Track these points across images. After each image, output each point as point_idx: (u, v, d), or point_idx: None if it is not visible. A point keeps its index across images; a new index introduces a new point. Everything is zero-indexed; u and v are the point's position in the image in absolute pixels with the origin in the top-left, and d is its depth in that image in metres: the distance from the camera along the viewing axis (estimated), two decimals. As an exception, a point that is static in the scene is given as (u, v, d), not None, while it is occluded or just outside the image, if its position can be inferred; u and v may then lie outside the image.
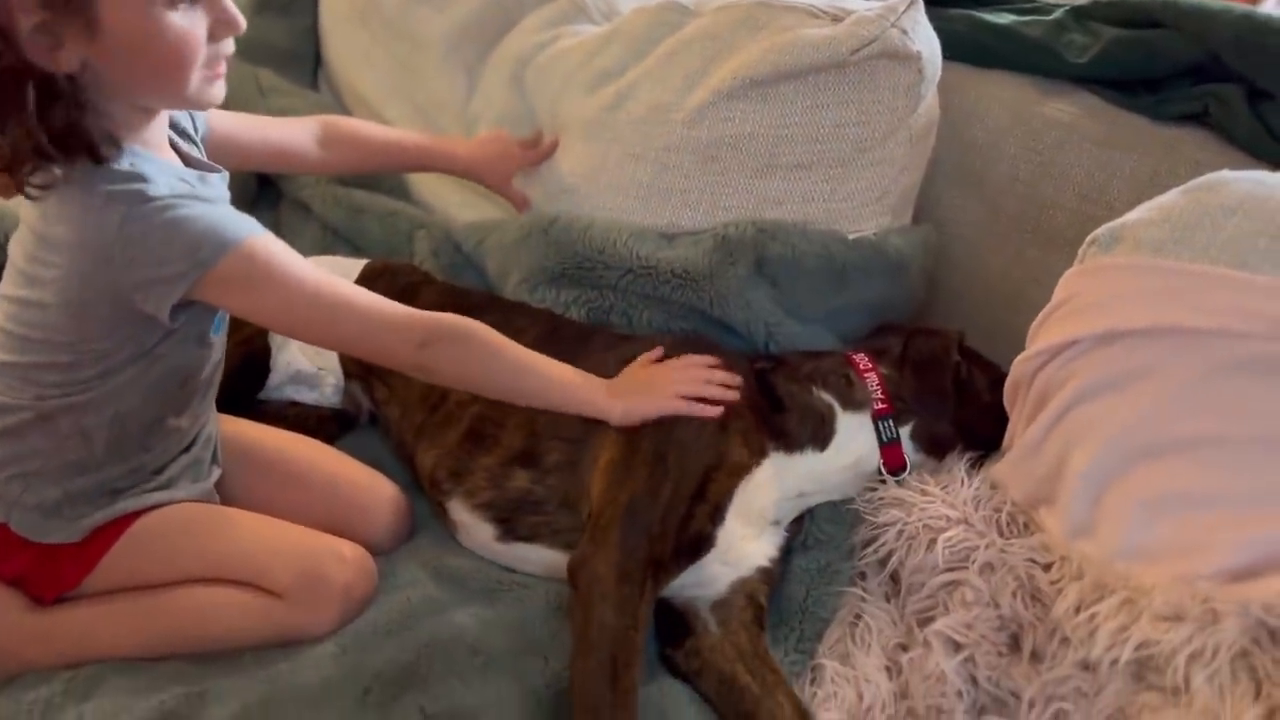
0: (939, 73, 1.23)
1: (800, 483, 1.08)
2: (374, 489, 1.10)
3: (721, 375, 1.06)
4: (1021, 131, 1.30)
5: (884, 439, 1.10)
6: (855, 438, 1.09)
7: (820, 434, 1.09)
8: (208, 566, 0.96)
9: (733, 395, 1.05)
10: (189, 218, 0.85)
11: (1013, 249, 1.30)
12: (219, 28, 0.85)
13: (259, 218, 1.83)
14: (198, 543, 0.97)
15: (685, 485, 0.98)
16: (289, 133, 1.22)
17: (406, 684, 0.91)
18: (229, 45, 0.88)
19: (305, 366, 1.25)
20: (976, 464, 1.09)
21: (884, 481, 1.09)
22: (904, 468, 1.10)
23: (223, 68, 0.88)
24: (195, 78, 0.85)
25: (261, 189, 1.73)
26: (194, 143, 1.00)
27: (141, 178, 0.85)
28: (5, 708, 0.89)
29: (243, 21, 0.86)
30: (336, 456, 1.13)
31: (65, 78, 0.81)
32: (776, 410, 1.09)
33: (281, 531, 0.99)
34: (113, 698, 0.89)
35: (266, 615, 0.95)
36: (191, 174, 0.92)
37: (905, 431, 1.11)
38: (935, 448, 1.12)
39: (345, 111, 1.78)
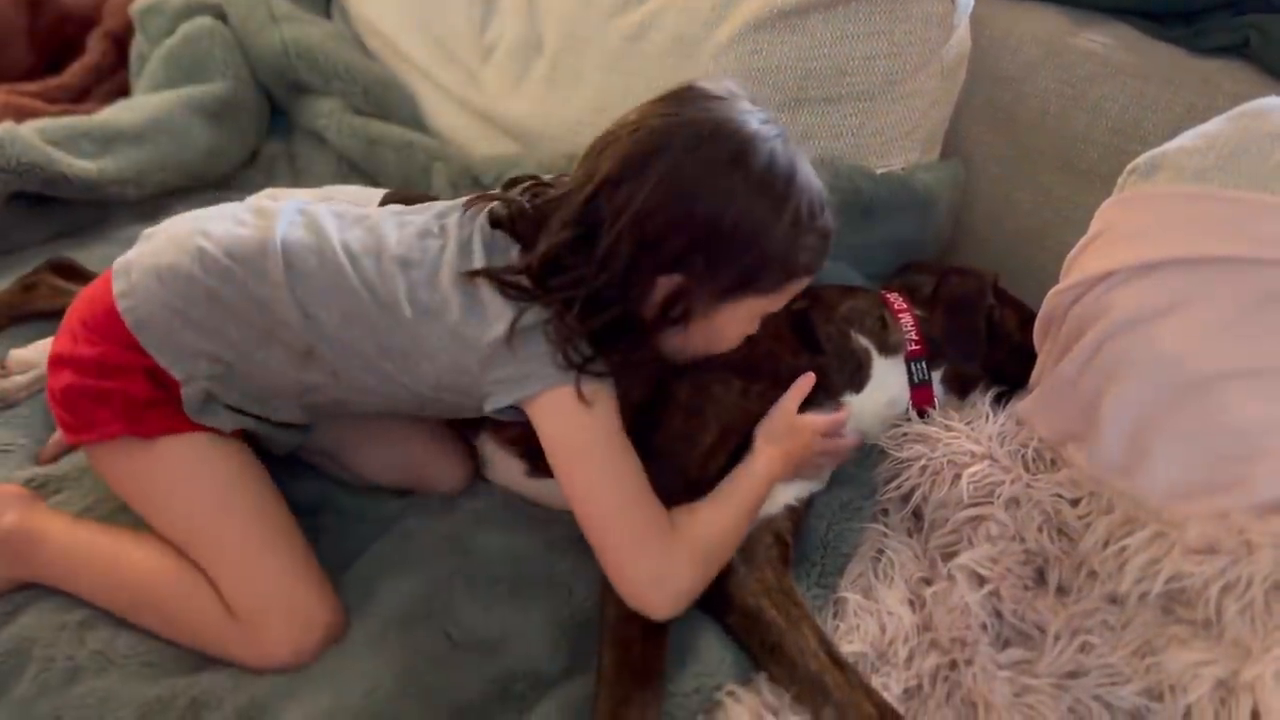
0: (972, 2, 1.20)
1: None
2: (448, 441, 1.08)
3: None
4: (1053, 64, 1.27)
5: (916, 380, 1.08)
6: (888, 381, 1.08)
7: (856, 379, 1.08)
8: (189, 529, 0.90)
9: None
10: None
11: (1042, 185, 1.28)
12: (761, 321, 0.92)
13: (272, 147, 1.76)
14: (195, 499, 0.91)
15: (727, 440, 0.98)
16: None
17: (432, 610, 0.91)
18: None
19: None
20: (1000, 400, 1.08)
21: (909, 419, 1.08)
22: (932, 408, 1.09)
23: None
24: None
25: (274, 116, 1.70)
26: None
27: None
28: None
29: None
30: None
31: (637, 317, 0.87)
32: (815, 353, 1.07)
33: (269, 557, 0.90)
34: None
35: (219, 624, 0.88)
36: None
37: (937, 375, 1.10)
38: (962, 389, 1.11)
39: (359, 42, 1.73)
